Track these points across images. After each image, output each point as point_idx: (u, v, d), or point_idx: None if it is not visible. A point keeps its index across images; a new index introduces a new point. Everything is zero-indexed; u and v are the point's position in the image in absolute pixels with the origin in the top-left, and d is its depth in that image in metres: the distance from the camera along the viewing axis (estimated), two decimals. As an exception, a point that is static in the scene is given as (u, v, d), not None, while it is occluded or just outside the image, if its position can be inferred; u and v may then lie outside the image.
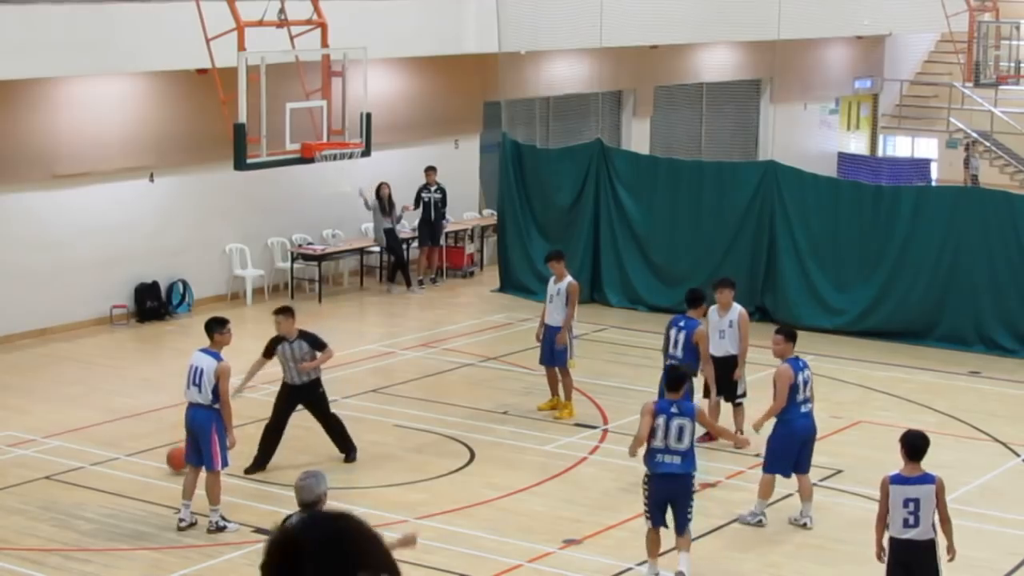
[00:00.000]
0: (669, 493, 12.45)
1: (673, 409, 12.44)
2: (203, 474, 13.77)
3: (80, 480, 15.18)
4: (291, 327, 15.27)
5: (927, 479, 11.06)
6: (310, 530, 3.34)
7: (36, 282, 21.35)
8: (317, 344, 15.39)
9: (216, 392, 13.60)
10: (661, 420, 12.37)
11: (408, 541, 9.56)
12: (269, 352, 15.34)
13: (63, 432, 16.80)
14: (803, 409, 13.72)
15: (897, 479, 11.10)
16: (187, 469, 13.92)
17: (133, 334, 21.96)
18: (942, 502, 11.06)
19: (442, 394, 18.56)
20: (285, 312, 15.41)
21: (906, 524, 11.00)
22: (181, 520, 13.73)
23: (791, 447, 13.74)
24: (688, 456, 12.43)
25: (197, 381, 13.64)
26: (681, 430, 12.36)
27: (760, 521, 13.90)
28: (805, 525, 13.92)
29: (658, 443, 12.38)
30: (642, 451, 12.55)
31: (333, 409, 16.05)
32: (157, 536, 13.61)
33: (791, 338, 13.95)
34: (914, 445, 11.19)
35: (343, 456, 15.80)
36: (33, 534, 13.68)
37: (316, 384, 15.56)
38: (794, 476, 14.01)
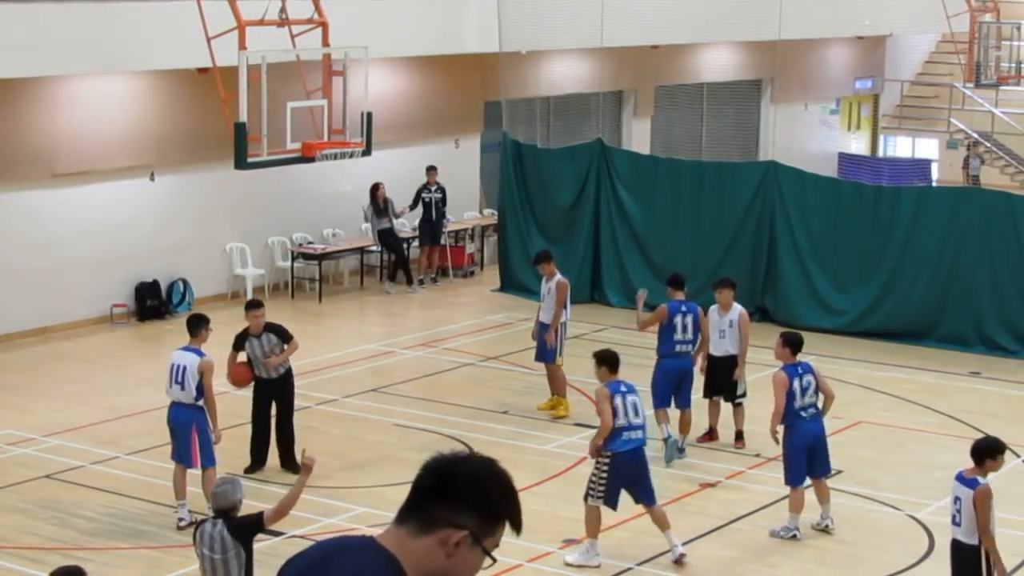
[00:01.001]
0: (634, 468, 12.90)
1: (623, 388, 13.01)
2: (199, 472, 13.76)
3: (80, 479, 15.18)
4: (262, 322, 15.04)
5: (971, 483, 10.99)
6: (464, 459, 3.86)
7: (36, 281, 21.34)
8: (284, 335, 15.13)
9: (200, 389, 13.58)
10: (619, 400, 12.84)
11: (305, 469, 9.73)
12: (239, 345, 15.06)
13: (63, 431, 16.80)
14: (804, 415, 13.67)
15: (958, 475, 11.19)
16: (175, 469, 13.89)
17: (133, 333, 21.96)
18: (979, 511, 10.88)
19: (442, 393, 18.55)
20: (259, 306, 15.10)
21: (953, 521, 11.14)
22: (180, 520, 13.73)
23: (800, 454, 13.67)
24: (644, 429, 13.06)
25: (180, 379, 13.61)
26: (635, 405, 12.94)
27: (795, 536, 13.79)
28: (827, 528, 13.86)
29: (621, 421, 12.84)
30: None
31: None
32: (157, 535, 13.61)
33: (788, 343, 13.83)
34: (975, 447, 11.17)
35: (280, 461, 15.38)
36: (33, 532, 13.69)
37: (288, 376, 15.29)
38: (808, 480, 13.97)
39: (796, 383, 13.58)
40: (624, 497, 14.71)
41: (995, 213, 20.90)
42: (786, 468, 13.78)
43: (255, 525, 9.55)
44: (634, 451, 12.89)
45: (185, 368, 13.59)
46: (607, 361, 13.23)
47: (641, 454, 13.01)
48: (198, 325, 13.92)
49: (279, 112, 17.64)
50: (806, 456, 13.67)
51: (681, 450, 15.97)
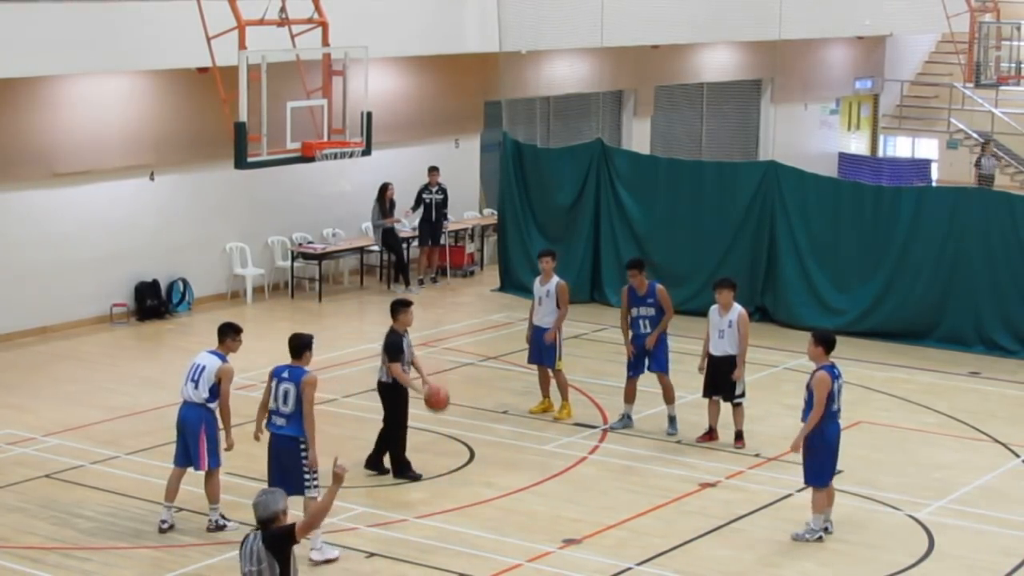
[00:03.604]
0: (277, 455, 12.89)
1: (284, 374, 12.98)
2: (196, 472, 13.73)
3: (80, 478, 15.18)
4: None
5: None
6: None
7: (36, 280, 21.35)
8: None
9: (212, 391, 13.56)
10: (274, 383, 12.94)
11: (337, 478, 9.63)
12: (400, 350, 14.91)
13: (63, 430, 16.80)
14: (837, 418, 13.68)
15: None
16: (173, 471, 13.85)
17: (133, 332, 21.96)
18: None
19: (442, 393, 18.52)
20: (411, 304, 15.27)
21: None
22: (163, 522, 13.69)
23: (833, 453, 13.62)
24: (294, 420, 12.86)
25: (195, 378, 13.60)
26: (286, 394, 12.85)
27: (826, 530, 13.71)
28: (827, 530, 13.83)
29: (272, 405, 12.97)
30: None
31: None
32: (157, 535, 13.60)
33: (821, 342, 13.66)
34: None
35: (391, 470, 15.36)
36: (32, 532, 13.69)
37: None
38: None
39: (835, 385, 13.52)
40: (623, 498, 14.75)
41: (995, 213, 20.90)
42: (818, 468, 13.55)
43: (287, 537, 9.37)
44: (277, 437, 12.92)
45: (203, 368, 13.58)
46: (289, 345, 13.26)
47: (287, 443, 12.86)
48: (225, 333, 13.85)
49: (279, 112, 17.64)
50: (834, 457, 13.63)
51: (628, 418, 17.18)
